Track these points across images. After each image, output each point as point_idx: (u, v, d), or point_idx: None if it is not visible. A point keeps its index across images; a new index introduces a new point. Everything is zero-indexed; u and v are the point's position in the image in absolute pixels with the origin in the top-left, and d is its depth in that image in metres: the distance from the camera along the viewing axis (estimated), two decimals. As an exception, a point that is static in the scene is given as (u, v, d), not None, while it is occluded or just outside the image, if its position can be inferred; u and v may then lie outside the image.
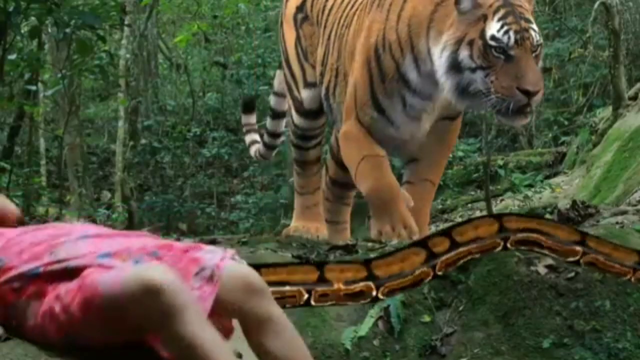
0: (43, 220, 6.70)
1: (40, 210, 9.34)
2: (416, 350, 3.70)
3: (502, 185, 9.26)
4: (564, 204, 5.71)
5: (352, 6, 5.02)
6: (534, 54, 4.24)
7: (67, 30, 6.45)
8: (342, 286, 2.82)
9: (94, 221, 8.03)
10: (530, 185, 7.97)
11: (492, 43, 4.20)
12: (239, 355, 3.35)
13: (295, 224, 5.50)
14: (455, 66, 4.28)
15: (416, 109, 4.65)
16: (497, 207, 8.09)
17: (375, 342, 3.71)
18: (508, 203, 8.19)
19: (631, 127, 8.11)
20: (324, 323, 3.74)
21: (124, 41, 13.03)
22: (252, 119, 6.38)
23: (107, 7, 6.78)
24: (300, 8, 5.39)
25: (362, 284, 2.88)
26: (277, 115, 6.07)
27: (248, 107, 6.45)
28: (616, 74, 8.82)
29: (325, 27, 5.16)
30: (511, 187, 8.33)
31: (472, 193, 9.63)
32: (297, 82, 5.40)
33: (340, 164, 5.61)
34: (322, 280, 2.84)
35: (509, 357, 3.61)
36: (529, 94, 4.14)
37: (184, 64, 16.22)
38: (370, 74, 4.63)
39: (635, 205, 5.84)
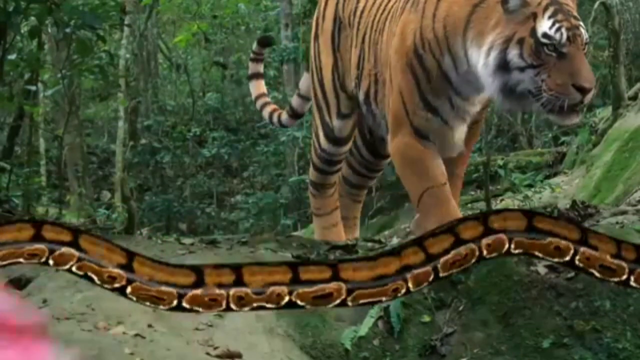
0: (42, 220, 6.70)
1: (40, 210, 9.34)
2: (416, 350, 3.71)
3: (502, 185, 9.25)
4: (564, 204, 5.70)
5: (384, 10, 4.94)
6: (584, 51, 4.22)
7: (67, 30, 6.45)
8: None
9: (94, 221, 8.04)
10: (530, 185, 7.95)
11: (544, 41, 4.15)
12: (239, 355, 3.35)
13: None
14: (503, 66, 4.20)
15: (461, 110, 4.60)
16: (497, 207, 8.08)
17: (375, 342, 3.71)
18: (508, 203, 8.18)
19: (631, 127, 8.12)
20: (324, 323, 3.74)
21: (124, 41, 13.04)
22: (263, 50, 6.31)
23: (107, 7, 6.78)
24: (335, 19, 5.30)
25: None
26: (296, 115, 6.02)
27: (264, 43, 6.35)
28: (616, 74, 8.83)
29: (358, 29, 5.08)
30: (511, 187, 8.33)
31: (472, 193, 9.63)
32: (330, 109, 5.33)
33: (353, 169, 5.54)
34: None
35: (509, 357, 3.61)
36: (583, 91, 4.11)
37: (184, 64, 16.23)
38: (416, 76, 4.55)
39: (635, 205, 5.84)
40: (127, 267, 2.01)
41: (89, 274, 2.03)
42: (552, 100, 4.12)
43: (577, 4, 4.42)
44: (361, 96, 5.03)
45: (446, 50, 4.46)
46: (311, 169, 5.59)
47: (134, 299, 1.99)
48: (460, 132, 4.67)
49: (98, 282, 2.01)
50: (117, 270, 2.02)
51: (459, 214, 4.59)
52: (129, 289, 2.01)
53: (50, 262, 2.01)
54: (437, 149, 4.63)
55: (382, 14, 4.93)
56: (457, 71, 4.46)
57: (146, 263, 2.04)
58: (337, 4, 5.27)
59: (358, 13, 5.10)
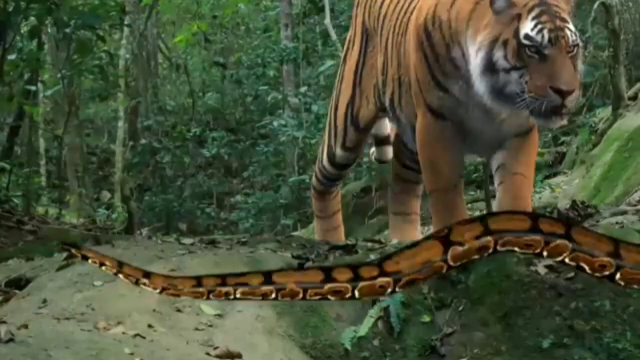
0: (43, 220, 6.70)
1: (40, 210, 9.34)
2: (416, 350, 3.70)
3: (502, 185, 9.23)
4: (563, 204, 5.71)
5: (405, 13, 4.91)
6: (569, 54, 4.18)
7: (67, 30, 6.46)
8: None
9: (93, 221, 8.04)
10: (530, 185, 7.94)
11: (526, 42, 4.12)
12: (239, 355, 3.35)
13: None
14: (490, 67, 4.18)
15: (476, 99, 4.42)
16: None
17: (375, 342, 3.71)
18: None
19: (631, 127, 8.13)
20: (324, 323, 3.74)
21: (123, 41, 13.05)
22: None
23: (107, 7, 6.79)
24: (362, 34, 5.24)
25: None
26: (381, 142, 5.78)
27: None
28: (616, 74, 8.84)
29: (381, 35, 5.06)
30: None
31: (472, 193, 9.62)
32: (336, 138, 5.32)
33: (403, 164, 5.42)
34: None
35: (509, 357, 3.61)
36: (562, 94, 4.07)
37: (184, 64, 16.24)
38: (425, 54, 4.52)
39: (635, 205, 5.85)
40: (615, 254, 2.29)
41: (581, 264, 2.31)
42: (532, 102, 4.09)
43: (575, 4, 4.38)
44: (387, 101, 4.97)
45: (455, 44, 4.43)
46: (314, 175, 5.59)
47: (622, 284, 2.29)
48: (485, 123, 4.52)
49: (589, 271, 2.31)
50: (606, 259, 2.29)
51: (465, 216, 4.53)
52: (617, 275, 2.29)
53: (544, 253, 2.30)
54: (461, 139, 4.53)
55: (404, 16, 4.89)
56: (466, 66, 4.40)
57: (631, 249, 2.31)
58: (364, 15, 5.25)
59: (381, 19, 5.06)
